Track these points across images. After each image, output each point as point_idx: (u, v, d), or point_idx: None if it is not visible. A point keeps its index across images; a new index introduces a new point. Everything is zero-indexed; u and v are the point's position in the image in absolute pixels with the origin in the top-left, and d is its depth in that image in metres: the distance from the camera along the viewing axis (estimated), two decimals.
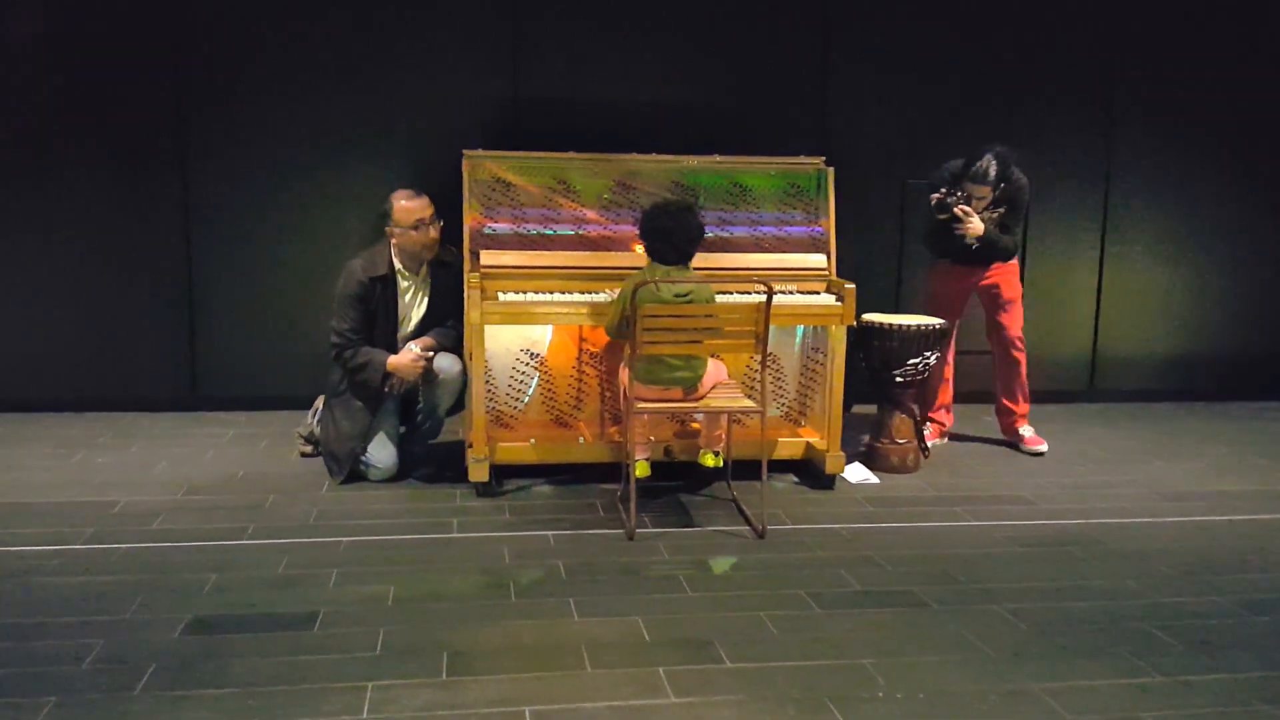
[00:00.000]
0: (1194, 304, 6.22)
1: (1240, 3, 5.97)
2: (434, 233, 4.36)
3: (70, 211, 5.30)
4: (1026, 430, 5.09)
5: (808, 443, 4.55)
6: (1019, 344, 5.08)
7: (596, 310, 4.16)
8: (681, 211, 4.03)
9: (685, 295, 3.95)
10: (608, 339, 4.30)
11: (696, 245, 4.04)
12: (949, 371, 5.13)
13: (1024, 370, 5.11)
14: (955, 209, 4.77)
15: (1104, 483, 4.65)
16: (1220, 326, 6.26)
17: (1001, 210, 4.88)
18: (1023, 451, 5.03)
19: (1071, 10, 5.84)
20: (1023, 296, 5.12)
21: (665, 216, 4.00)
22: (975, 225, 4.78)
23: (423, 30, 5.39)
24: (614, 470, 4.32)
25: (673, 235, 3.97)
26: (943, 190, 4.83)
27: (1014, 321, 5.06)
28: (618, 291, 4.05)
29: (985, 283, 5.00)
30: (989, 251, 4.91)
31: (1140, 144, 6.00)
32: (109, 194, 5.32)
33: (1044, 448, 5.01)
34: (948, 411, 5.22)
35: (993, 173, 4.72)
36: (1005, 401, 5.14)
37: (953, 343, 5.09)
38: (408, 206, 4.31)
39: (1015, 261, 5.07)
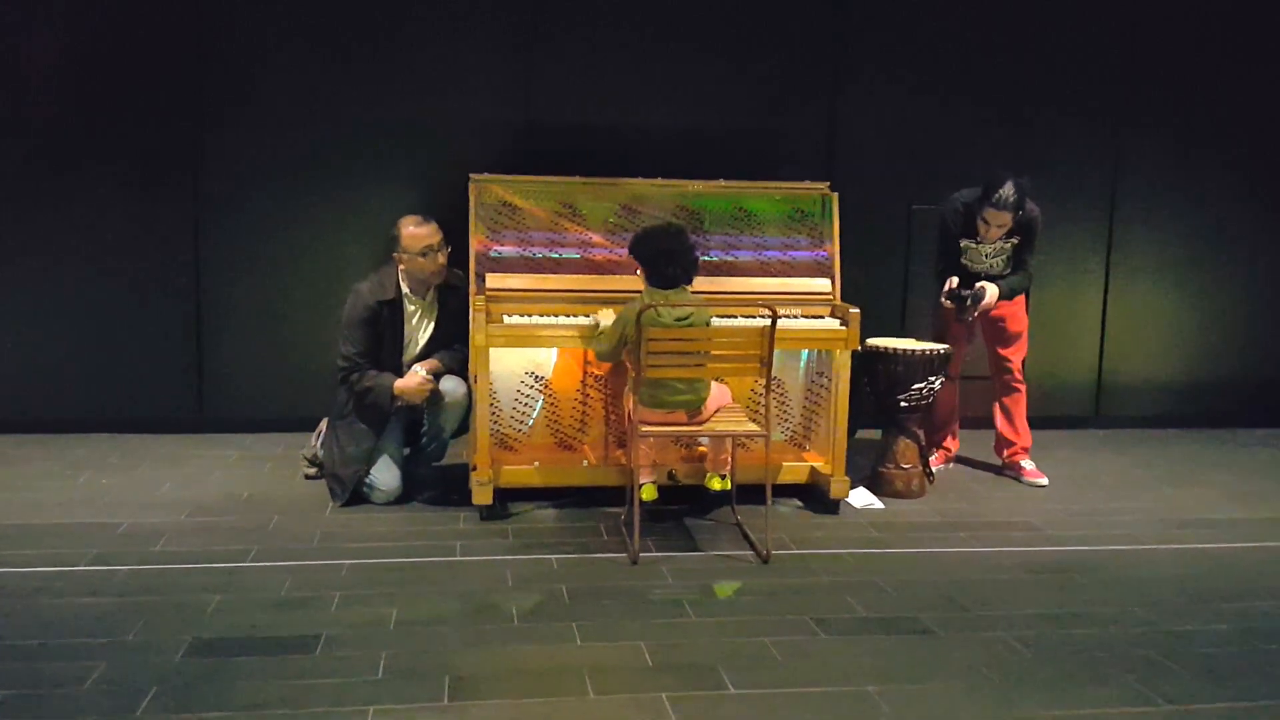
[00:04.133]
0: (1201, 329, 6.21)
1: (1250, 24, 5.99)
2: (441, 259, 4.38)
3: (79, 232, 5.33)
4: (1027, 463, 5.04)
5: (812, 467, 4.54)
6: (1020, 376, 5.05)
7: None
8: (678, 233, 4.06)
9: (685, 319, 3.96)
10: (598, 360, 4.30)
11: (698, 266, 4.09)
12: (955, 397, 5.11)
13: (1024, 401, 5.08)
14: (970, 304, 4.72)
15: (1111, 509, 4.63)
16: (1228, 352, 6.24)
17: (1015, 240, 4.83)
18: (1023, 484, 5.00)
19: (1079, 34, 5.87)
20: (1028, 327, 5.07)
21: (666, 239, 4.02)
22: (991, 297, 4.72)
23: (434, 57, 5.43)
24: (618, 494, 4.31)
25: (677, 257, 3.99)
26: (946, 293, 4.76)
27: (1017, 353, 5.03)
28: (615, 315, 4.05)
29: (992, 314, 4.93)
30: (1011, 299, 4.87)
31: (1146, 167, 6.01)
32: (118, 215, 5.35)
33: (1044, 481, 4.96)
34: (954, 437, 5.21)
35: (1013, 198, 4.61)
36: (1005, 432, 5.10)
37: (959, 368, 5.06)
38: (416, 233, 4.32)
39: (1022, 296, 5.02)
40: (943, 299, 4.81)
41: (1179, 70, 5.96)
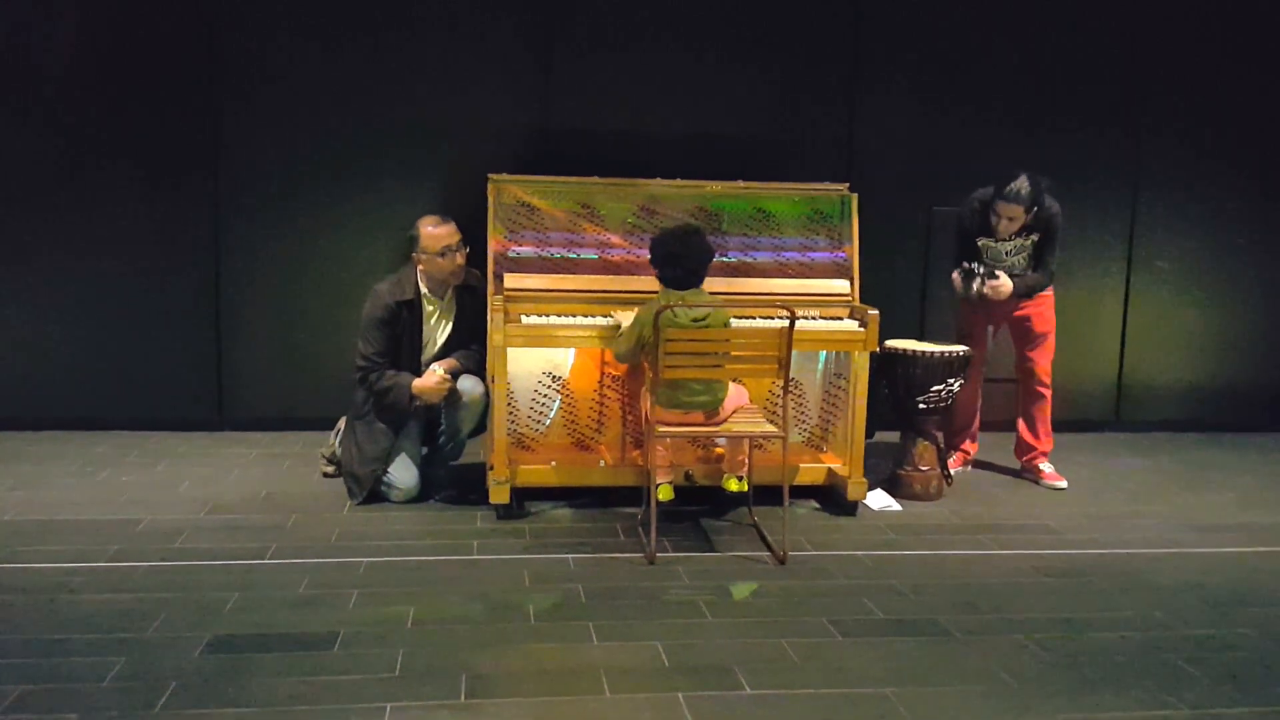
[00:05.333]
0: (1221, 334, 6.16)
1: (1270, 29, 5.95)
2: (460, 259, 4.39)
3: (100, 232, 5.37)
4: (1046, 466, 5.02)
5: (830, 469, 4.53)
6: (1046, 380, 5.00)
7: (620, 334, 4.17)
8: (688, 235, 4.05)
9: (702, 319, 3.96)
10: (618, 361, 4.30)
11: (707, 267, 4.06)
12: (976, 400, 5.08)
13: (1049, 407, 5.04)
14: (978, 283, 4.67)
15: (1130, 513, 4.60)
16: (1248, 357, 6.19)
17: (1035, 238, 4.79)
18: (1042, 487, 4.97)
19: (1099, 38, 5.84)
20: (1055, 329, 5.02)
21: (673, 241, 4.02)
22: (1004, 286, 4.68)
23: (453, 57, 5.44)
24: (635, 494, 4.31)
25: (683, 259, 3.99)
26: (965, 265, 4.75)
27: (1044, 356, 4.98)
28: (633, 316, 4.06)
29: (1017, 314, 4.91)
30: (1027, 295, 4.83)
31: (1167, 172, 5.97)
32: (139, 215, 5.39)
33: (1063, 484, 4.94)
34: (973, 440, 5.18)
35: (1025, 191, 4.59)
36: (1026, 437, 5.08)
37: (980, 370, 5.03)
38: (434, 233, 4.34)
39: (1050, 293, 4.95)
40: (954, 275, 4.77)
41: (1200, 76, 5.92)
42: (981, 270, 4.71)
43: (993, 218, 4.72)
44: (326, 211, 5.47)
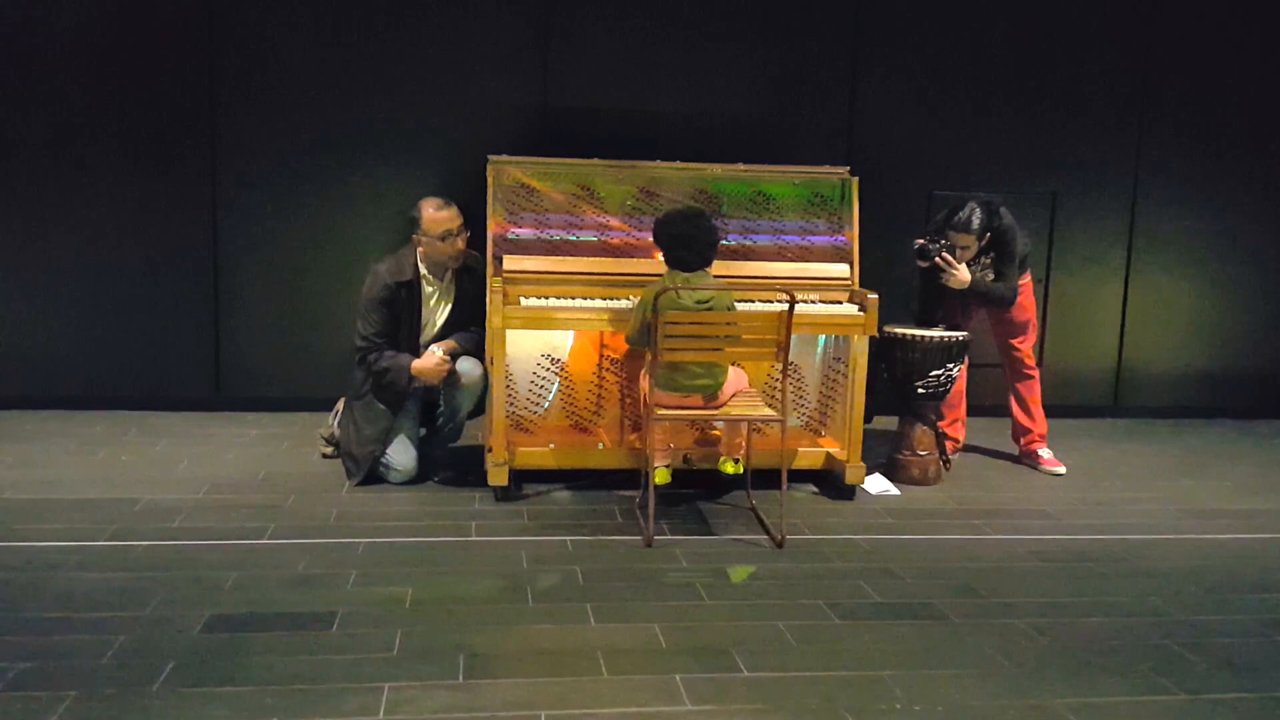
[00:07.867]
0: (1221, 320, 6.16)
1: (1272, 14, 5.93)
2: (461, 243, 4.38)
3: (99, 211, 5.36)
4: (1044, 451, 5.02)
5: (828, 453, 4.53)
6: (1030, 362, 5.01)
7: (618, 316, 4.17)
8: (697, 217, 4.04)
9: (706, 302, 3.95)
10: (628, 345, 4.30)
11: (715, 250, 4.05)
12: (960, 384, 5.06)
13: (1038, 389, 5.04)
14: (937, 258, 4.61)
15: (1129, 499, 4.61)
16: (1247, 343, 6.19)
17: (992, 256, 4.77)
18: (1040, 472, 4.98)
19: (1102, 23, 5.81)
20: (1046, 313, 5.00)
21: (683, 223, 4.01)
22: (962, 274, 4.63)
23: (453, 39, 5.42)
24: (633, 477, 4.32)
25: (693, 242, 3.98)
26: (926, 237, 4.71)
27: (1025, 341, 4.98)
28: (638, 298, 4.05)
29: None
30: (984, 301, 4.80)
31: (1169, 157, 5.96)
32: (137, 195, 5.38)
33: (1062, 469, 4.94)
34: (960, 424, 5.14)
35: (975, 221, 4.59)
36: (1021, 419, 5.08)
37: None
38: (436, 217, 4.32)
39: (1028, 280, 4.94)
40: (914, 244, 4.72)
41: (1203, 62, 5.90)
42: (943, 241, 4.67)
43: (944, 241, 4.67)
44: (325, 191, 5.46)
